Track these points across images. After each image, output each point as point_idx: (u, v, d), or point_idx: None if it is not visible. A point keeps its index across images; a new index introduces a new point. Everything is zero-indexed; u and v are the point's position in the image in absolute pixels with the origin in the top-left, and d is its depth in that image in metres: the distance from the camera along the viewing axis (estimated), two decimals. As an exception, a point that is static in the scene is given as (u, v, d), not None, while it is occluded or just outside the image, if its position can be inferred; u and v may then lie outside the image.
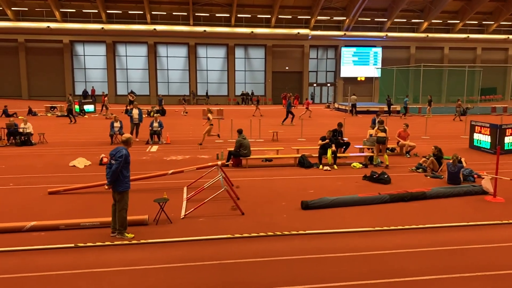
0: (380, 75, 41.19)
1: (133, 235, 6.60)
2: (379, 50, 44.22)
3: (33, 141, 15.92)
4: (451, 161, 10.23)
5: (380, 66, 43.08)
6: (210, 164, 10.12)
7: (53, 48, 39.04)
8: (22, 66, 38.54)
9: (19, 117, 19.68)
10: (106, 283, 5.13)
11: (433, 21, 42.67)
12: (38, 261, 5.75)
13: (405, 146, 13.98)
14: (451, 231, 6.99)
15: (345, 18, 41.72)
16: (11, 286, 5.06)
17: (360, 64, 44.31)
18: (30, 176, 10.74)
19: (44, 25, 36.57)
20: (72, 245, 6.27)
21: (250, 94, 42.54)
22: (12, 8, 36.49)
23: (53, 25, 36.73)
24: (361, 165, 12.07)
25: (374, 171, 10.58)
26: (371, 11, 41.82)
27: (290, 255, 5.92)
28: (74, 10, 37.78)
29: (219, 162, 9.79)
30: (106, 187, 6.56)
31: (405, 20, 43.06)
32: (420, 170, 11.52)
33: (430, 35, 43.38)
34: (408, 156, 13.79)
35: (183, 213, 7.75)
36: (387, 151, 13.15)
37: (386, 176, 10.21)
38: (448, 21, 43.70)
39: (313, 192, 9.28)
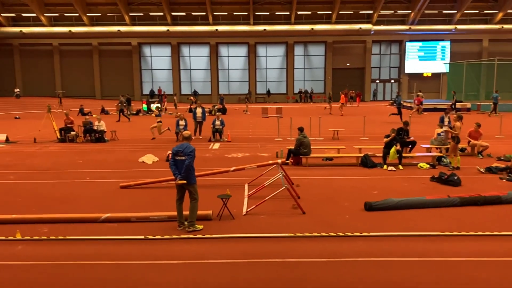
0: (448, 71, 38.86)
1: (202, 226, 6.92)
2: (447, 44, 41.79)
3: (106, 138, 17.06)
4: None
5: (448, 61, 40.64)
6: (270, 162, 10.19)
7: (122, 50, 41.52)
8: (96, 68, 41.44)
9: (94, 116, 21.16)
10: (173, 275, 5.38)
11: (508, 10, 39.39)
12: (112, 250, 6.17)
13: (477, 146, 13.11)
14: (531, 239, 6.45)
15: (410, 11, 39.91)
16: (89, 273, 5.48)
17: (426, 59, 42.18)
18: (104, 171, 11.53)
19: (115, 28, 38.99)
20: (142, 237, 6.64)
21: (309, 92, 42.20)
22: (88, 14, 39.29)
23: (123, 28, 39.03)
24: (428, 166, 11.50)
25: (442, 172, 10.03)
26: (439, 3, 39.61)
27: (354, 257, 5.81)
28: (142, 14, 39.84)
29: (279, 160, 9.82)
30: (179, 181, 6.80)
31: (477, 11, 40.24)
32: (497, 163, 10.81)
33: (506, 26, 40.07)
34: (481, 156, 12.91)
35: (244, 209, 7.90)
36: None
37: (456, 178, 9.63)
38: (527, 10, 40.16)
39: (377, 193, 9.02)
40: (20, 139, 17.82)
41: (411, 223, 7.15)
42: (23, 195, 9.13)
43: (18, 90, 39.23)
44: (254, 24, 40.07)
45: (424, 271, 5.39)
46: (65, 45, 41.17)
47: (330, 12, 40.15)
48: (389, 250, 6.04)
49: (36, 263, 5.71)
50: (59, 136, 17.20)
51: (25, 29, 38.72)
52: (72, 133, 17.08)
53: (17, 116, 29.02)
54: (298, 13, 39.92)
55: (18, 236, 6.61)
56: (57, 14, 39.47)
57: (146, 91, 42.06)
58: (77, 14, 38.85)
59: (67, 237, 6.62)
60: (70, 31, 38.67)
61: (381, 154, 11.78)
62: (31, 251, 6.12)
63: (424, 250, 6.01)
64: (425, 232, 6.70)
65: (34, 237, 6.62)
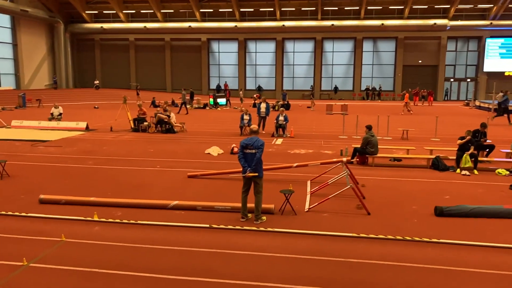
0: (535, 70, 35.51)
1: (265, 217, 7.11)
2: (535, 40, 38.11)
3: (175, 130, 17.83)
4: None
5: (536, 59, 37.10)
6: (334, 160, 10.01)
7: (192, 46, 43.03)
8: (167, 62, 43.42)
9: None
10: (234, 265, 5.50)
11: None
12: (179, 236, 6.45)
13: None
14: None
15: (492, 5, 36.89)
16: (157, 257, 5.78)
17: (508, 57, 38.85)
18: (173, 160, 12.07)
19: (186, 25, 40.46)
20: (207, 225, 6.87)
21: (377, 89, 40.78)
22: (161, 11, 41.21)
23: (193, 24, 40.39)
24: (508, 172, 10.61)
25: (525, 180, 9.22)
26: (528, -5, 36.13)
27: (421, 263, 5.54)
28: (211, 10, 40.93)
29: (344, 159, 9.62)
30: (250, 174, 6.96)
31: None
32: None
33: None
34: None
35: (307, 206, 7.86)
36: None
37: (541, 187, 8.81)
38: None
39: (448, 198, 8.51)
40: (99, 127, 19.21)
41: (486, 233, 6.66)
42: (100, 180, 9.85)
43: (97, 82, 42.31)
44: (322, 19, 39.44)
45: (502, 284, 5.00)
46: (140, 40, 43.59)
47: (402, 7, 38.36)
48: (461, 259, 5.69)
49: (110, 244, 6.14)
50: (133, 126, 18.29)
51: (105, 25, 41.53)
52: (145, 123, 18.06)
53: (96, 106, 31.32)
54: (368, 8, 38.62)
55: (96, 218, 7.16)
56: (134, 11, 41.82)
57: (213, 85, 43.28)
58: (152, 11, 40.87)
59: (139, 221, 7.04)
60: (145, 27, 40.81)
61: (454, 157, 11.09)
62: (106, 233, 6.59)
63: (501, 263, 5.58)
64: (503, 244, 6.21)
65: (109, 220, 7.12)
